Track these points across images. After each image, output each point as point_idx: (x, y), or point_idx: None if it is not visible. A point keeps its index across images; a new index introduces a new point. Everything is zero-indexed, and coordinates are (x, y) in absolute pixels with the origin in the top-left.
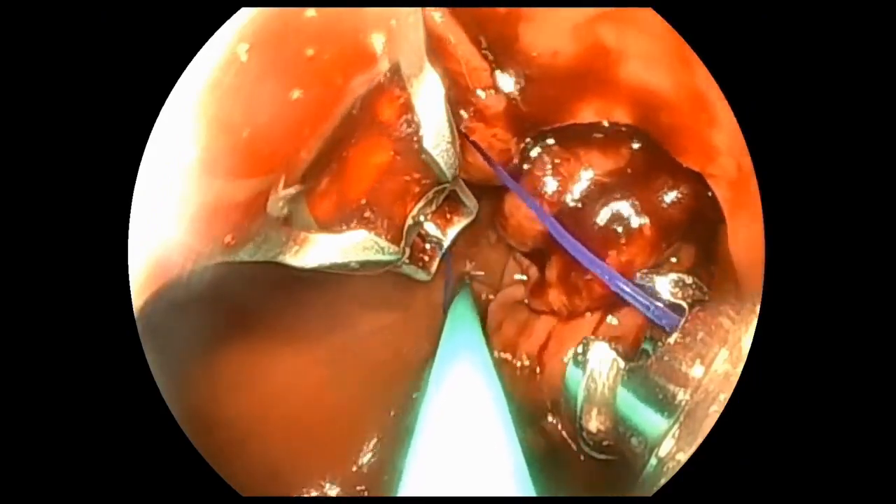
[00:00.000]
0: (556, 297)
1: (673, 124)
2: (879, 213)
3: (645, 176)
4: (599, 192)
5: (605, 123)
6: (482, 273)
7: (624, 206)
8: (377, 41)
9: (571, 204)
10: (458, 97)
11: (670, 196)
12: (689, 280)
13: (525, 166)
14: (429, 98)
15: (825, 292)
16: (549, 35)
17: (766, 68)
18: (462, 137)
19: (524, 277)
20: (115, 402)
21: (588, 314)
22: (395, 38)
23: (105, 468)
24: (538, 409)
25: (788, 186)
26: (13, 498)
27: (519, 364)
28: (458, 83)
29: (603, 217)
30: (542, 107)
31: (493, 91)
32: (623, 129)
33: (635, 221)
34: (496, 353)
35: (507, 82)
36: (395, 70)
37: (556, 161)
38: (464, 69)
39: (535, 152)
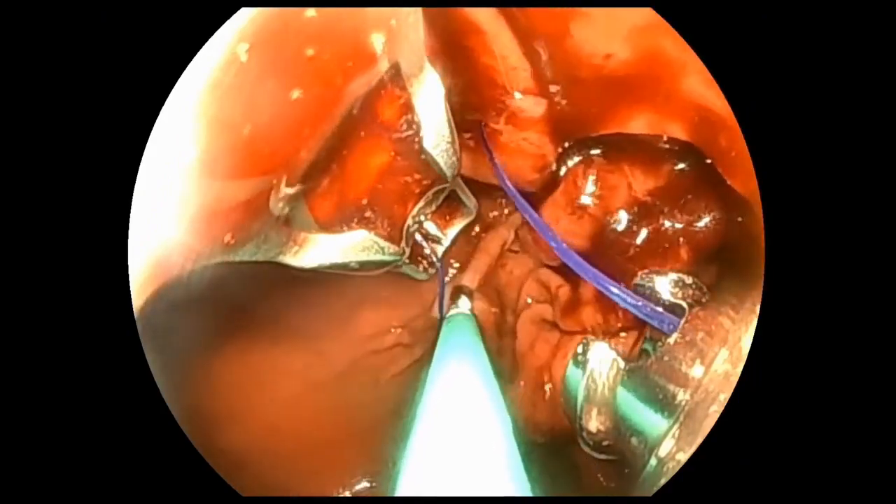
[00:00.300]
0: (590, 316)
1: (731, 148)
2: (879, 213)
3: (684, 197)
4: (639, 210)
5: (664, 138)
6: (475, 286)
7: (664, 227)
8: (377, 41)
9: (611, 219)
10: (489, 96)
11: (705, 220)
12: (689, 280)
13: (562, 172)
14: (429, 98)
15: (825, 292)
16: (604, 35)
17: (766, 68)
18: (481, 143)
19: (530, 301)
20: (115, 402)
21: (622, 334)
22: (395, 38)
23: (105, 468)
24: (569, 436)
25: (789, 186)
26: (13, 498)
27: (549, 388)
28: (494, 81)
29: (642, 236)
30: (587, 111)
31: (531, 94)
32: (669, 145)
33: (674, 243)
34: (527, 381)
35: (551, 82)
36: (395, 70)
37: (599, 172)
38: (500, 66)
39: (575, 160)
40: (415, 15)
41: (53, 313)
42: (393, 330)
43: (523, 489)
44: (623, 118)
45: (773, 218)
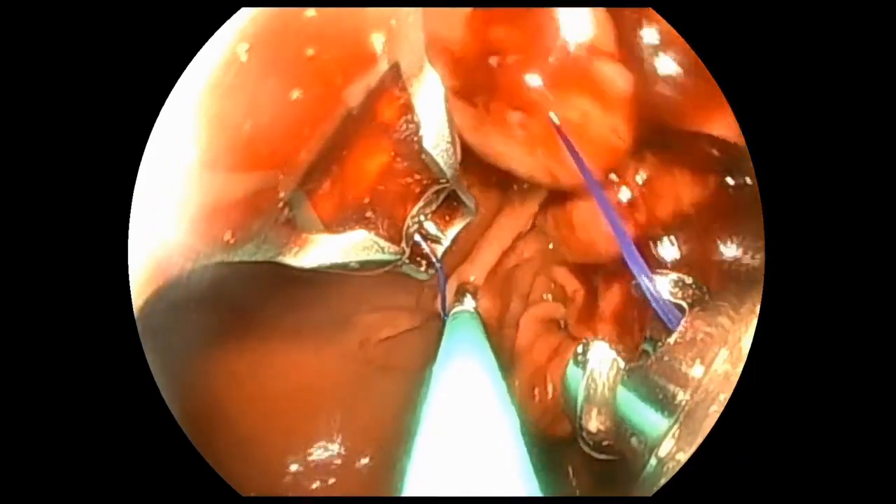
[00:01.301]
0: (606, 333)
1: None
2: (878, 213)
3: (728, 217)
4: (681, 223)
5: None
6: (481, 282)
7: (701, 248)
8: (377, 41)
9: (651, 229)
10: (573, 65)
11: (745, 251)
12: (689, 280)
13: (614, 176)
14: (429, 98)
15: (825, 292)
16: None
17: (766, 68)
18: (555, 131)
19: (546, 297)
20: (115, 402)
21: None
22: (395, 38)
23: (105, 468)
24: (564, 442)
25: (788, 186)
26: (13, 498)
27: (538, 392)
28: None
29: (674, 254)
30: (672, 100)
31: (622, 64)
32: (719, 153)
33: (707, 269)
34: (521, 381)
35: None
36: (395, 70)
37: (651, 173)
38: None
39: (639, 153)
40: (415, 15)
41: (53, 313)
42: (394, 329)
43: (530, 486)
44: (705, 118)
45: (773, 218)
